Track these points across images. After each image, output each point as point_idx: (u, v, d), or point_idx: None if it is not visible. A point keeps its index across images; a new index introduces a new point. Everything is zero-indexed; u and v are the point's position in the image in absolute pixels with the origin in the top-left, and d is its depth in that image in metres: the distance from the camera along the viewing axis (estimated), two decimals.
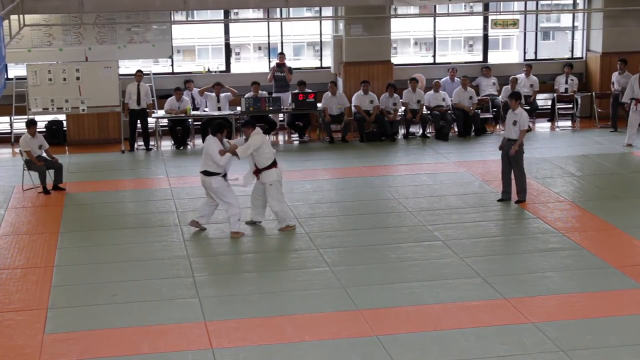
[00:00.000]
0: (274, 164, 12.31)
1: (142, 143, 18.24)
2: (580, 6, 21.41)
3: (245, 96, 18.49)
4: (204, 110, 18.60)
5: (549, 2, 22.74)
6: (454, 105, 18.96)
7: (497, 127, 19.44)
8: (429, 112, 19.05)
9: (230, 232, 12.13)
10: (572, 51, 21.73)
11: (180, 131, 18.36)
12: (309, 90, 18.75)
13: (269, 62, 20.49)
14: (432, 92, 19.11)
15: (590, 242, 11.64)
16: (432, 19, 21.15)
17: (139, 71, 18.22)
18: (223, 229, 12.40)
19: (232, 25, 20.74)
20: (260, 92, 18.62)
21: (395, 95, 18.88)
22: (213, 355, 8.39)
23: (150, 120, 18.41)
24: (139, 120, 18.08)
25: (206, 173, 12.08)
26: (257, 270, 10.83)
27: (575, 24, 21.98)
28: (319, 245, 11.66)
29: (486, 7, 21.09)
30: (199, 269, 10.84)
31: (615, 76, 19.34)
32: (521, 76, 20.04)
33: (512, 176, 13.67)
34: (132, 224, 12.99)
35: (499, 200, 13.67)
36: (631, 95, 17.75)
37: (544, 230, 12.19)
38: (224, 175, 12.10)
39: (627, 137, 17.61)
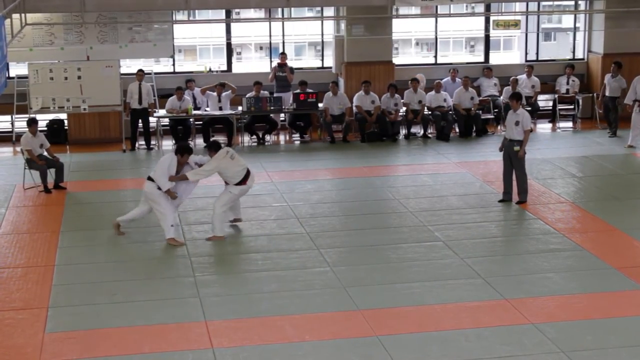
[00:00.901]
0: (243, 181, 12.05)
1: (143, 142, 18.25)
2: (582, 7, 21.42)
3: (247, 96, 18.49)
4: (205, 110, 18.62)
5: (551, 2, 22.73)
6: (454, 106, 18.97)
7: (499, 127, 19.44)
8: (430, 112, 19.05)
9: (166, 239, 11.80)
10: (573, 52, 21.73)
11: (181, 131, 18.37)
12: (310, 90, 18.75)
13: (271, 62, 20.50)
14: (433, 92, 19.11)
15: (591, 243, 11.63)
16: (433, 19, 21.16)
17: (140, 70, 18.22)
18: (224, 229, 12.40)
19: (233, 25, 20.74)
20: (261, 91, 18.63)
21: (397, 95, 18.88)
22: (213, 354, 8.39)
23: (152, 119, 18.42)
24: (140, 120, 18.09)
25: (149, 178, 11.91)
26: (258, 270, 10.83)
27: (577, 24, 21.98)
28: (320, 245, 11.66)
29: (488, 8, 21.09)
30: (200, 268, 10.84)
31: (607, 78, 19.00)
32: (522, 77, 20.04)
33: (514, 177, 13.66)
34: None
35: (500, 201, 13.66)
36: (634, 97, 17.71)
37: (545, 231, 12.19)
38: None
39: (630, 139, 17.59)
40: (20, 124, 18.12)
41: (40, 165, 14.79)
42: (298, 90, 18.76)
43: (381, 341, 8.61)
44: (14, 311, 9.55)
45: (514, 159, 13.48)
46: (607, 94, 18.93)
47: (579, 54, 21.42)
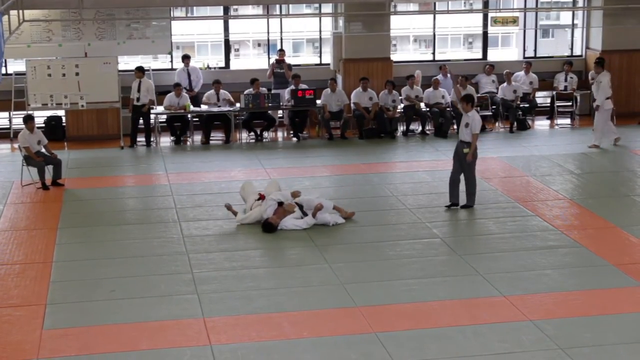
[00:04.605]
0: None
1: (141, 139, 18.22)
2: (580, 4, 21.41)
3: (245, 92, 18.47)
4: (203, 106, 18.56)
5: None
6: (451, 103, 18.95)
7: (497, 124, 19.44)
8: (428, 109, 19.04)
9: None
10: (571, 49, 21.73)
11: (179, 127, 18.37)
12: (305, 86, 18.66)
13: (269, 58, 20.49)
14: (431, 89, 19.09)
15: (589, 239, 11.64)
16: (431, 16, 21.16)
17: (137, 69, 18.14)
18: (222, 226, 12.41)
19: (231, 22, 20.73)
20: (260, 88, 18.60)
21: (395, 92, 18.87)
22: (211, 351, 8.39)
23: (150, 116, 18.40)
24: (140, 117, 18.05)
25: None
26: (256, 267, 10.83)
27: (575, 21, 21.97)
28: (318, 242, 11.65)
29: (486, 5, 21.11)
30: (198, 265, 10.84)
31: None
32: (521, 73, 20.04)
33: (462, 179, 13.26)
34: (131, 220, 12.99)
35: (447, 207, 13.15)
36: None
37: (543, 227, 12.19)
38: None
39: (594, 139, 17.38)
40: (18, 120, 18.06)
41: (38, 162, 14.77)
42: (292, 87, 18.66)
43: (379, 338, 8.61)
44: (12, 308, 9.54)
45: (463, 161, 13.09)
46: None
47: (577, 51, 21.42)
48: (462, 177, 13.15)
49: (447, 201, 13.46)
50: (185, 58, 19.05)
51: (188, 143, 18.44)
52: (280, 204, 12.30)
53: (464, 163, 13.05)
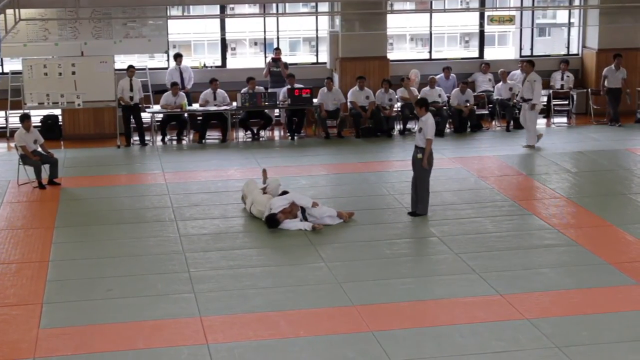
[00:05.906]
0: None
1: (137, 138, 18.20)
2: (577, 2, 21.40)
3: (242, 91, 18.45)
4: (201, 105, 18.55)
5: None
6: (450, 105, 18.92)
7: (493, 123, 19.45)
8: None
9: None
10: (568, 47, 21.74)
11: (175, 126, 18.35)
12: (300, 86, 18.66)
13: (265, 57, 20.48)
14: (427, 88, 19.08)
15: (585, 238, 11.64)
16: (428, 14, 21.17)
17: (131, 66, 18.15)
18: (219, 225, 12.41)
19: (228, 21, 20.72)
20: (257, 87, 18.57)
21: (391, 90, 18.87)
22: (208, 350, 8.39)
23: (147, 115, 18.38)
24: (132, 116, 18.02)
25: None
26: (253, 266, 10.82)
27: (572, 20, 21.99)
28: (314, 240, 11.65)
29: (482, 3, 21.11)
30: (195, 264, 10.83)
31: (609, 71, 19.22)
32: (517, 72, 20.04)
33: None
34: (128, 219, 12.97)
35: (409, 213, 12.76)
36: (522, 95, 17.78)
37: (540, 226, 12.20)
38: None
39: (527, 139, 17.38)
40: (15, 119, 18.05)
41: (34, 161, 14.75)
42: (288, 85, 18.64)
43: (376, 337, 8.61)
44: (8, 307, 9.54)
45: (416, 166, 12.70)
46: (607, 85, 19.22)
47: (574, 50, 21.44)
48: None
49: (443, 200, 13.48)
50: (178, 57, 19.04)
51: (184, 142, 18.43)
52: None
53: (416, 169, 12.66)
